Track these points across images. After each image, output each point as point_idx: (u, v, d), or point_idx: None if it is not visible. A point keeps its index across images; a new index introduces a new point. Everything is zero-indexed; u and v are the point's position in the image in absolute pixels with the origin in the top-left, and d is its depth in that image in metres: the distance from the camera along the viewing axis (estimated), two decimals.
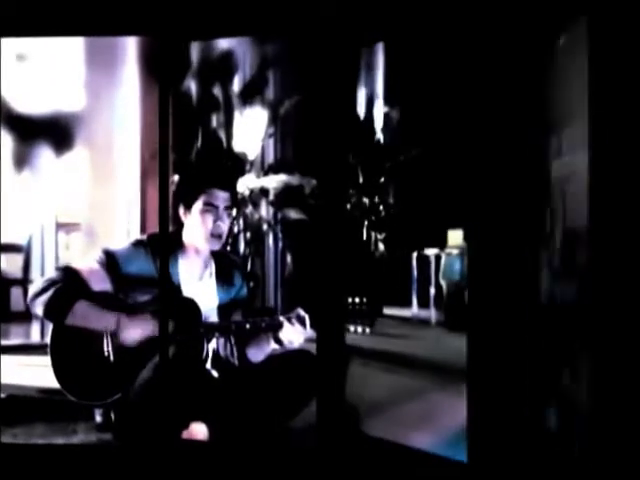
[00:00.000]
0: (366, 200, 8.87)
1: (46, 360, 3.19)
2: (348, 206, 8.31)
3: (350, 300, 3.30)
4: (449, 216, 9.50)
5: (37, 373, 4.14)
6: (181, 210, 3.42)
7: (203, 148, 5.96)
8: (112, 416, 3.21)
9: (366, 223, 8.94)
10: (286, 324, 3.22)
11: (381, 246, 8.91)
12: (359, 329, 3.33)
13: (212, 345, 3.34)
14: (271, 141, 7.64)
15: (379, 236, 9.02)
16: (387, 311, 8.88)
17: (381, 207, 9.05)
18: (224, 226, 3.34)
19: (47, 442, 3.21)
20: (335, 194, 7.15)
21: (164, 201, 3.57)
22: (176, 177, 5.54)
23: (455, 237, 8.91)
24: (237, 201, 3.50)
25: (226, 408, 3.22)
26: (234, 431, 3.13)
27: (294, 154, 7.74)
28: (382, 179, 8.90)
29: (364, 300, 3.36)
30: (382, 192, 9.03)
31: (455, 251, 9.17)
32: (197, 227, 3.31)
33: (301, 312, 3.26)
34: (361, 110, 9.14)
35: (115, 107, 5.52)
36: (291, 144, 8.26)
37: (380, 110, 9.63)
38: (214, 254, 3.43)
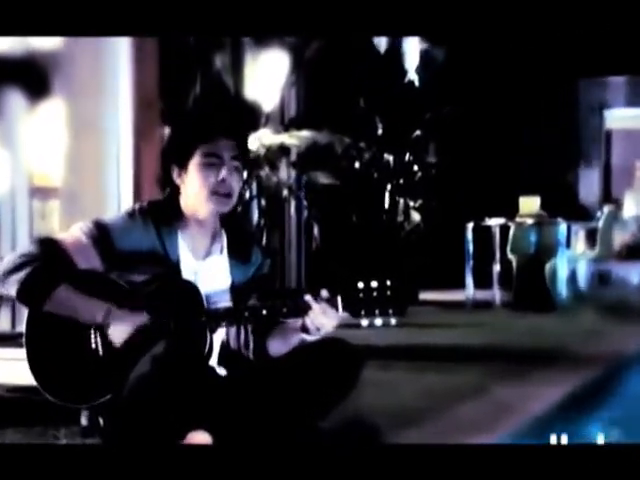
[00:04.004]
0: (389, 158, 8.03)
1: (19, 353, 2.81)
2: (357, 164, 7.63)
3: (362, 285, 2.69)
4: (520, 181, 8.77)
5: (7, 368, 3.90)
6: (174, 171, 2.88)
7: (203, 95, 5.51)
8: (100, 420, 2.80)
9: (389, 187, 8.16)
10: (313, 307, 2.71)
11: (415, 216, 8.13)
12: (378, 321, 2.72)
13: (220, 337, 2.88)
14: (293, 91, 7.31)
15: (412, 203, 8.16)
16: (427, 296, 8.04)
17: (415, 167, 8.19)
18: (233, 182, 2.80)
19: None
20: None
21: None
22: (166, 131, 5.18)
23: (529, 204, 7.94)
24: (248, 155, 2.96)
25: (234, 413, 2.79)
26: (243, 440, 2.73)
27: (322, 107, 7.38)
28: (417, 132, 8.08)
29: (387, 283, 2.69)
30: (416, 148, 8.25)
31: (530, 221, 8.18)
32: (197, 187, 2.79)
33: (328, 293, 2.74)
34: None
35: (102, 45, 4.80)
36: (318, 95, 7.69)
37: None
38: (226, 225, 2.92)
